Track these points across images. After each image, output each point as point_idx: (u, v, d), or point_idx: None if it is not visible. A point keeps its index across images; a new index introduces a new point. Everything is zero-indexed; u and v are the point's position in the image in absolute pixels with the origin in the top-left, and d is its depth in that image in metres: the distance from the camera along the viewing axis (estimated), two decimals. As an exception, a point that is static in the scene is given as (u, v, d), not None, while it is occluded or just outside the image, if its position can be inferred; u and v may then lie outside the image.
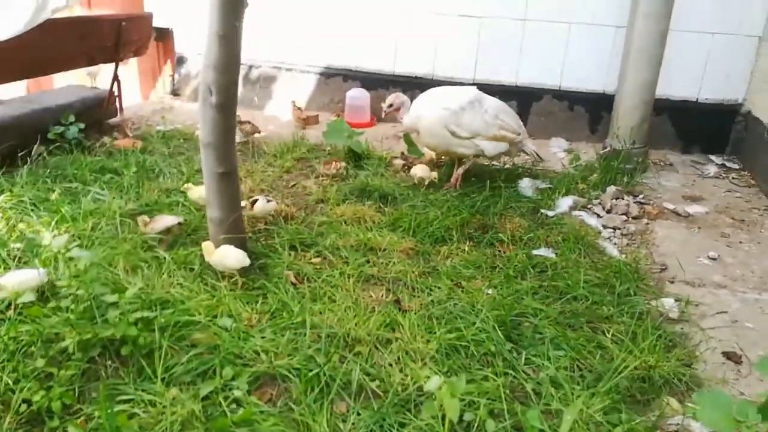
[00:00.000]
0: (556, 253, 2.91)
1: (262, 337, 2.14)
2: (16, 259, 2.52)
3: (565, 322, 2.37)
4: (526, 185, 3.67)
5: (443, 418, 1.71)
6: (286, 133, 4.56)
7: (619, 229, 3.28)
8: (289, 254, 2.75)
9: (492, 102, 3.60)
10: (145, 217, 2.79)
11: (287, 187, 3.64)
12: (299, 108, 5.00)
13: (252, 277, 2.52)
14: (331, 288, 2.50)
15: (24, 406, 1.77)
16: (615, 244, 3.11)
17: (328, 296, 2.45)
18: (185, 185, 3.14)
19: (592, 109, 4.76)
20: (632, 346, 2.18)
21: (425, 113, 3.51)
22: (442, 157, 3.96)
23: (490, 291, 2.55)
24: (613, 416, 1.84)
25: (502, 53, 4.79)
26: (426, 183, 3.61)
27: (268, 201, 2.99)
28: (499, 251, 2.95)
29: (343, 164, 3.85)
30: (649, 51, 3.96)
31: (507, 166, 4.00)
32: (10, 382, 1.83)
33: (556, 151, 4.52)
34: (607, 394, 1.94)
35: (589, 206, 3.52)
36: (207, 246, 2.51)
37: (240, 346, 2.08)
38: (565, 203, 3.48)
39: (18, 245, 2.59)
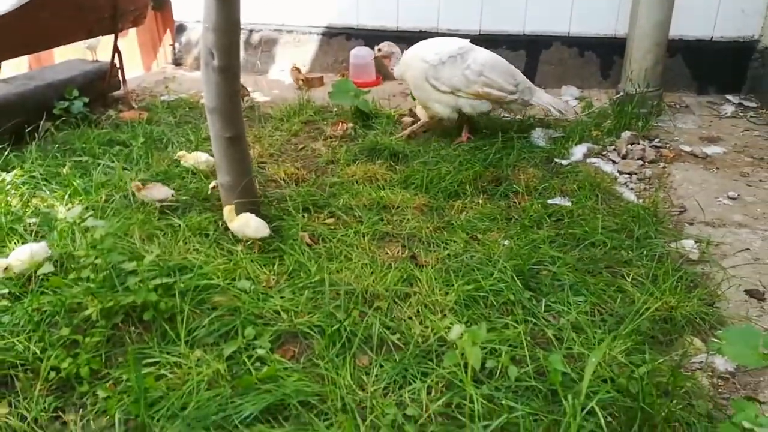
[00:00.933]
0: (572, 201, 2.87)
1: (282, 297, 2.16)
2: (33, 233, 2.54)
3: (584, 268, 2.35)
4: (538, 135, 3.60)
5: (465, 366, 1.71)
6: (292, 97, 4.50)
7: (636, 174, 3.22)
8: (303, 216, 2.74)
9: (480, 57, 3.42)
10: (138, 183, 2.77)
11: (296, 150, 3.61)
12: (298, 69, 4.90)
13: (267, 240, 2.52)
14: (347, 247, 2.50)
15: (53, 374, 1.80)
16: (632, 189, 3.06)
17: (344, 255, 2.44)
18: (178, 153, 3.13)
19: (604, 54, 4.63)
20: (653, 289, 2.17)
21: (412, 64, 3.46)
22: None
23: (506, 242, 2.53)
24: (636, 357, 1.84)
25: (508, 1, 4.64)
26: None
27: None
28: (514, 202, 2.91)
29: (351, 125, 3.80)
30: (660, -11, 3.82)
31: (518, 117, 3.92)
32: (38, 351, 1.86)
33: (567, 99, 4.41)
34: (629, 336, 1.94)
35: (603, 153, 3.46)
36: (229, 210, 2.50)
37: (260, 306, 2.10)
38: (579, 151, 3.42)
39: (33, 220, 2.61)
